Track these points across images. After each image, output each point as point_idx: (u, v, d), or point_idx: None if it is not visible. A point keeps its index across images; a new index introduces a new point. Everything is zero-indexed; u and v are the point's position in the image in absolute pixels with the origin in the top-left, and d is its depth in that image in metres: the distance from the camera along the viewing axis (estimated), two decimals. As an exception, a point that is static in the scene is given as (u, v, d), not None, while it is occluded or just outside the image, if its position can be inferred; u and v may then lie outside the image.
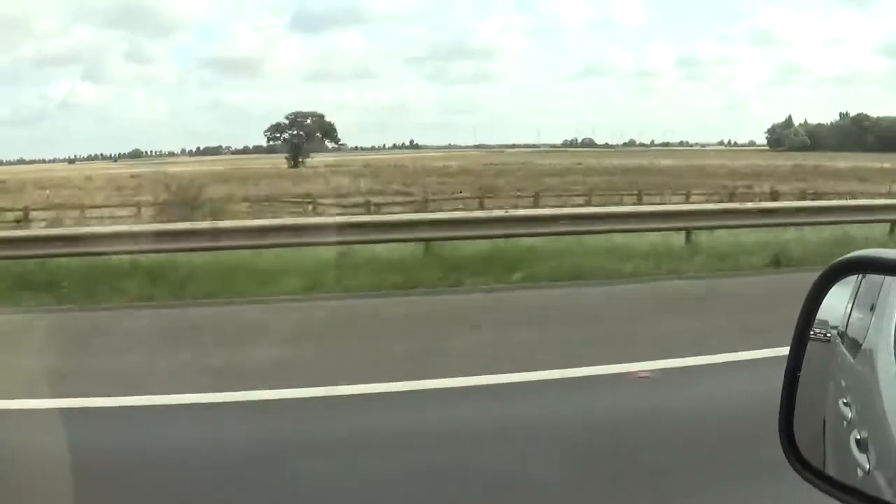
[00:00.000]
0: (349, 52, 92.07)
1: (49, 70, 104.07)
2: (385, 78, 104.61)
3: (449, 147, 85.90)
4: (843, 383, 1.56)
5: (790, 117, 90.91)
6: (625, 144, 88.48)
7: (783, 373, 1.53)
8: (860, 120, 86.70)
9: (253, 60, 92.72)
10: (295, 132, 70.93)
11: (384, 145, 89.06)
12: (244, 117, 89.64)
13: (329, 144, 73.82)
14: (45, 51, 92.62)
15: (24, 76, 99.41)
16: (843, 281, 1.51)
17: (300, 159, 66.01)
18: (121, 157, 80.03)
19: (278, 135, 72.99)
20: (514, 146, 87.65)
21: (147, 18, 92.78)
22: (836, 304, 1.54)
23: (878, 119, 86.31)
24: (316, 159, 66.29)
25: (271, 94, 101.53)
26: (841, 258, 1.48)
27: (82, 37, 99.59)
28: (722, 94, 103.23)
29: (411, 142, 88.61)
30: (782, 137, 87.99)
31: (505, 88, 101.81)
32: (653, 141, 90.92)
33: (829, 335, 1.56)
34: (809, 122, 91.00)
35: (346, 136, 77.53)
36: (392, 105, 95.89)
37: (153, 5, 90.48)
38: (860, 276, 1.52)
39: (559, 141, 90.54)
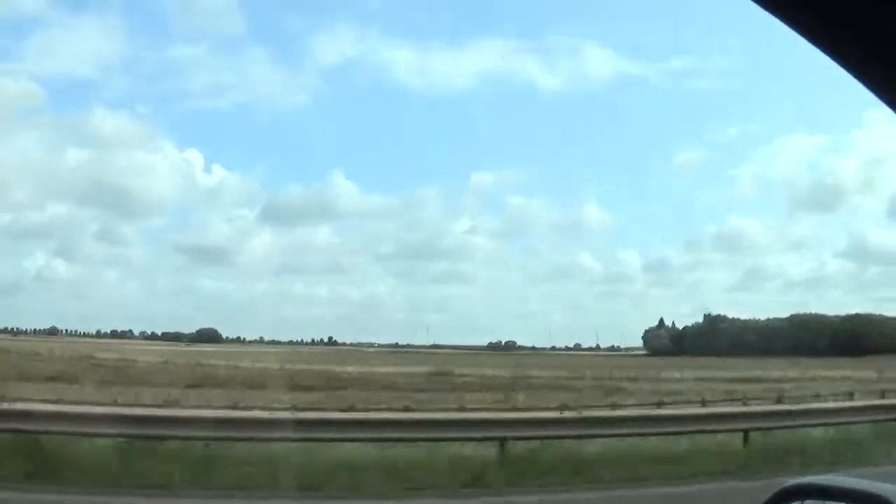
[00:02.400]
0: (319, 247, 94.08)
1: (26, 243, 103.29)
2: (355, 273, 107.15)
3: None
4: None
5: (662, 320, 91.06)
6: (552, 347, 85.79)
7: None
8: (717, 321, 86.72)
9: (224, 250, 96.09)
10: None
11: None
12: (218, 305, 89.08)
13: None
14: (21, 223, 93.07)
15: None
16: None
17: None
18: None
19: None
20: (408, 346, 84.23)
21: (121, 200, 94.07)
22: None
23: (733, 321, 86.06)
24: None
25: (243, 283, 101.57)
26: (789, 483, 1.64)
27: (58, 212, 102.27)
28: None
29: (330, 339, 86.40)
30: (650, 339, 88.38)
31: (470, 289, 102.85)
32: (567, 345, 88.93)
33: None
34: (677, 324, 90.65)
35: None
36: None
37: (126, 187, 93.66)
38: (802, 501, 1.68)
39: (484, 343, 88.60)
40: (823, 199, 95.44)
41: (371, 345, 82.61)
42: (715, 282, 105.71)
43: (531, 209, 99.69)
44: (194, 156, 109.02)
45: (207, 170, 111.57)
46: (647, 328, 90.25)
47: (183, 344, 73.81)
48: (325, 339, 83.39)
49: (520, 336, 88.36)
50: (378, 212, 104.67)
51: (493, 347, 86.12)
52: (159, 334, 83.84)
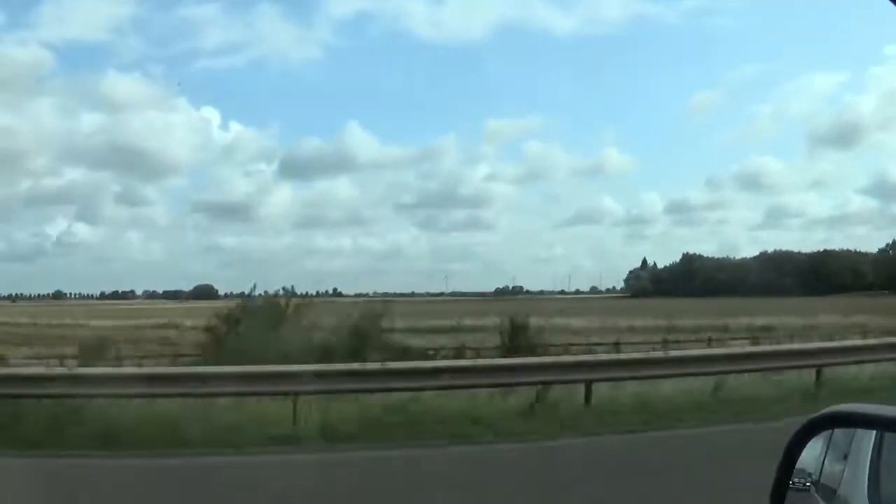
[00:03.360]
0: (339, 199, 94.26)
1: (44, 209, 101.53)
2: (377, 225, 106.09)
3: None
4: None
5: (644, 260, 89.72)
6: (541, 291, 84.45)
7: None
8: (692, 261, 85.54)
9: (244, 205, 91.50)
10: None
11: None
12: (240, 261, 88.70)
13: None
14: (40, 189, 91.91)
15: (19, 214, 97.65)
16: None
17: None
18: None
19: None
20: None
21: (138, 162, 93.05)
22: (811, 453, 1.67)
23: (707, 260, 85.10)
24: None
25: (265, 239, 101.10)
26: (818, 413, 1.60)
27: (75, 177, 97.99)
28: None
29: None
30: (631, 281, 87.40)
31: (495, 235, 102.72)
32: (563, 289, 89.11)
33: (807, 484, 1.69)
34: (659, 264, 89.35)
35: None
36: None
37: (143, 148, 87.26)
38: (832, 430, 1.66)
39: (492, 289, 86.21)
40: (844, 136, 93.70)
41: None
42: (737, 221, 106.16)
43: (549, 155, 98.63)
44: (210, 113, 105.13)
45: (224, 127, 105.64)
46: (630, 270, 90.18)
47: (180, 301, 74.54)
48: (330, 291, 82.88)
49: (537, 281, 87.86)
50: (396, 162, 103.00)
51: (500, 293, 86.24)
52: (160, 293, 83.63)
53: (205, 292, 78.89)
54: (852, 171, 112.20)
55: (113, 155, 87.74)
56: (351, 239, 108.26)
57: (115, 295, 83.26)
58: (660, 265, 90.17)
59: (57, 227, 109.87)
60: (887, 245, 78.55)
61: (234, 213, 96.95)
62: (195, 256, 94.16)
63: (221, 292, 77.35)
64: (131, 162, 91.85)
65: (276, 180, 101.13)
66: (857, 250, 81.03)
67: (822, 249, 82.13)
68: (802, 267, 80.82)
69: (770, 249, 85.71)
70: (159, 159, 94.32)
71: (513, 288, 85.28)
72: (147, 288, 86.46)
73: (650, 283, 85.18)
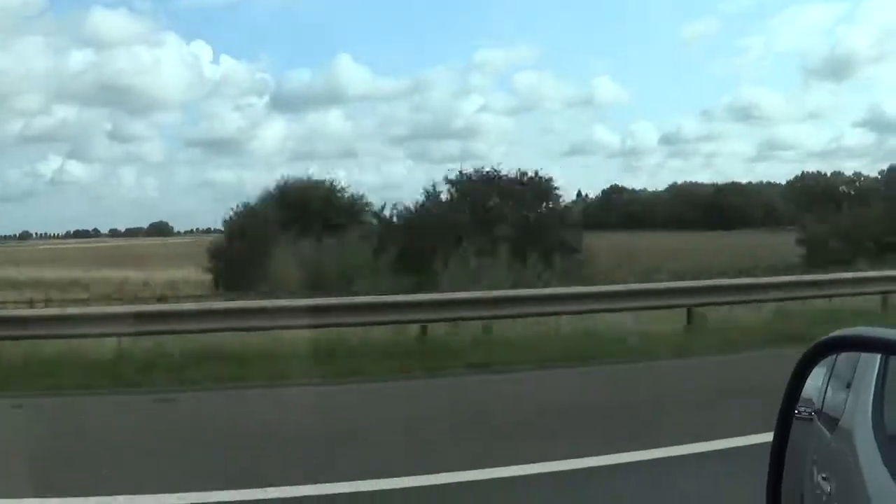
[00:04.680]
0: (331, 132, 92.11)
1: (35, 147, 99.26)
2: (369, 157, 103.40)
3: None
4: (822, 459, 1.63)
5: (579, 191, 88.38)
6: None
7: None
8: (612, 193, 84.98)
9: (236, 140, 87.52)
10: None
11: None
12: (234, 196, 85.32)
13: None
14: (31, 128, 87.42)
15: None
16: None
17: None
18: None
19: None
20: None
21: (129, 98, 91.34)
22: (812, 382, 1.61)
23: (627, 191, 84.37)
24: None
25: (258, 173, 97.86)
26: (823, 338, 1.52)
27: (66, 115, 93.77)
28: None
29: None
30: None
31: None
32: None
33: (811, 413, 1.63)
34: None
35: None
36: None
37: (131, 85, 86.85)
38: (836, 355, 1.59)
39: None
40: (839, 68, 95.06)
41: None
42: (731, 153, 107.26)
43: (542, 85, 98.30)
44: (201, 48, 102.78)
45: (215, 61, 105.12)
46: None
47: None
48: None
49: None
50: (388, 94, 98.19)
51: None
52: (122, 231, 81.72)
53: (160, 229, 78.87)
54: (847, 104, 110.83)
55: (103, 92, 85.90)
56: (345, 171, 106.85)
57: (79, 234, 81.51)
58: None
59: (49, 165, 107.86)
60: (795, 177, 79.17)
61: (226, 147, 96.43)
62: (188, 192, 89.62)
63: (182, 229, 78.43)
64: (122, 99, 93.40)
65: (267, 114, 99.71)
66: (769, 182, 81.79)
67: (730, 181, 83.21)
68: (708, 200, 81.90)
69: (680, 181, 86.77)
70: (150, 95, 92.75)
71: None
72: (113, 227, 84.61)
73: (580, 216, 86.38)
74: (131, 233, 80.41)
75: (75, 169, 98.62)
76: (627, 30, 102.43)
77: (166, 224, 79.44)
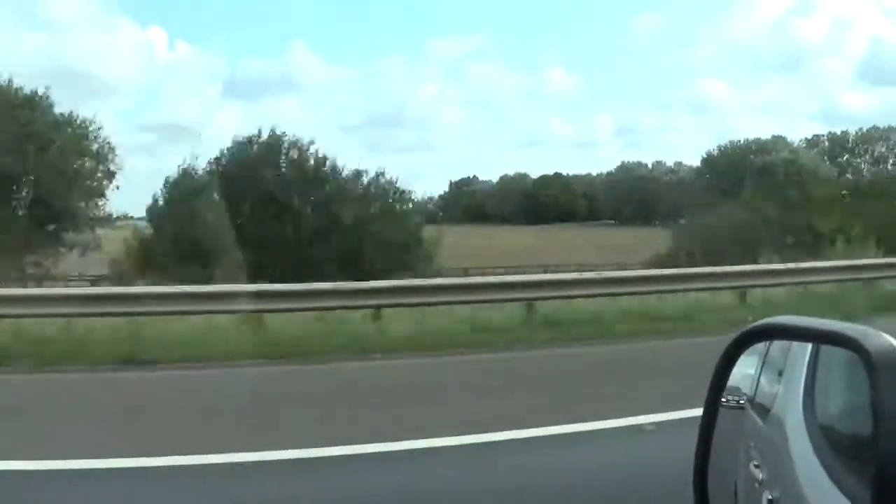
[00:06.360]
0: (286, 120, 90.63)
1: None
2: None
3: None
4: (754, 447, 1.64)
5: (451, 182, 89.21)
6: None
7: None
8: (461, 186, 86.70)
9: (191, 127, 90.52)
10: None
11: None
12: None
13: None
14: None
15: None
16: (751, 349, 1.58)
17: None
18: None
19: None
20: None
21: (82, 83, 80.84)
22: (745, 371, 1.61)
23: (474, 182, 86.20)
24: None
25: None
26: (750, 325, 1.52)
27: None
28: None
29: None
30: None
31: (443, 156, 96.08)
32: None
33: (741, 402, 1.64)
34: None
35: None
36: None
37: (84, 70, 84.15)
38: (768, 343, 1.60)
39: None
40: (791, 61, 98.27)
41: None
42: (685, 145, 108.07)
43: (494, 76, 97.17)
44: (157, 33, 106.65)
45: (171, 47, 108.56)
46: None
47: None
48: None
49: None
50: (341, 82, 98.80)
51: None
52: None
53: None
54: (801, 98, 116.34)
55: (56, 76, 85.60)
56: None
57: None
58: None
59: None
60: (616, 169, 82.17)
61: (181, 134, 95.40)
62: (142, 179, 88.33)
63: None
64: (75, 83, 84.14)
65: (222, 101, 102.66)
66: (592, 174, 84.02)
67: (552, 173, 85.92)
68: (528, 192, 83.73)
69: (511, 172, 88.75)
70: (104, 80, 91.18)
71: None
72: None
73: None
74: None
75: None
76: (582, 21, 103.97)
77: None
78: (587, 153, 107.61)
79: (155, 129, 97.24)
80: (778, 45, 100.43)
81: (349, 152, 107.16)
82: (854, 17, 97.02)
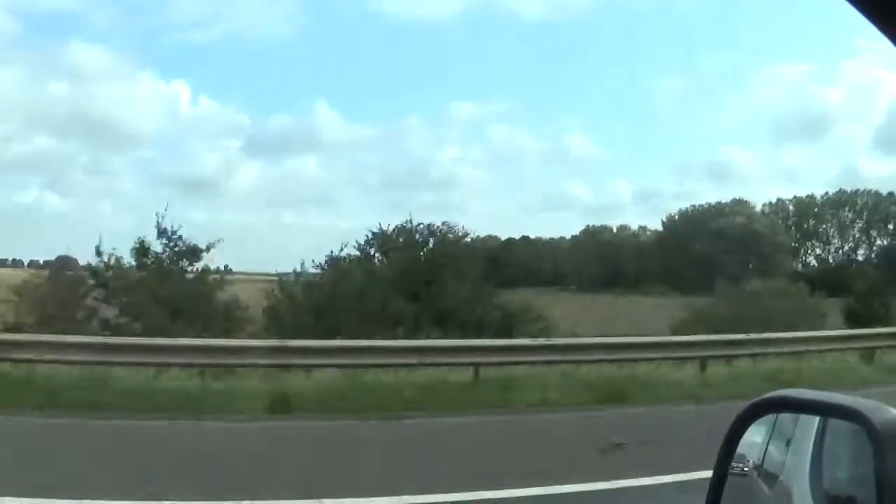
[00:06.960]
0: (307, 178, 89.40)
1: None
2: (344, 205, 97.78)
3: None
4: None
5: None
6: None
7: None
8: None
9: (212, 181, 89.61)
10: None
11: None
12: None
13: None
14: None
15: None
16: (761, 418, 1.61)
17: None
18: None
19: None
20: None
21: (105, 133, 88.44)
22: (754, 439, 1.64)
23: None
24: None
25: (234, 216, 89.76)
26: (760, 398, 1.57)
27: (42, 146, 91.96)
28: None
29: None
30: None
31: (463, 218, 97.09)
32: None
33: (745, 469, 1.66)
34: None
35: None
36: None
37: (109, 119, 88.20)
38: (776, 414, 1.64)
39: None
40: (812, 129, 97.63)
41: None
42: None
43: (516, 139, 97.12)
44: (181, 87, 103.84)
45: (194, 102, 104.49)
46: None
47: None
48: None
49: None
50: (363, 142, 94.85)
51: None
52: (41, 262, 73.76)
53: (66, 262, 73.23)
54: (820, 165, 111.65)
55: (80, 126, 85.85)
56: (321, 218, 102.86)
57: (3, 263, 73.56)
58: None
59: (28, 195, 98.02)
60: (582, 231, 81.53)
61: (201, 188, 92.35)
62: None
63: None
64: (99, 133, 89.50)
65: (243, 157, 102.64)
66: (560, 237, 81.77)
67: (524, 236, 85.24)
68: (493, 255, 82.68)
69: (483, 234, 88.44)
70: (127, 131, 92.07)
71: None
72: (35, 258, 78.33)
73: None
74: (51, 263, 73.80)
75: (48, 199, 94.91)
76: (604, 86, 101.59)
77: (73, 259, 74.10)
78: (601, 218, 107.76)
79: (176, 182, 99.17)
80: (798, 113, 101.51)
81: (373, 211, 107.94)
82: (875, 85, 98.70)
